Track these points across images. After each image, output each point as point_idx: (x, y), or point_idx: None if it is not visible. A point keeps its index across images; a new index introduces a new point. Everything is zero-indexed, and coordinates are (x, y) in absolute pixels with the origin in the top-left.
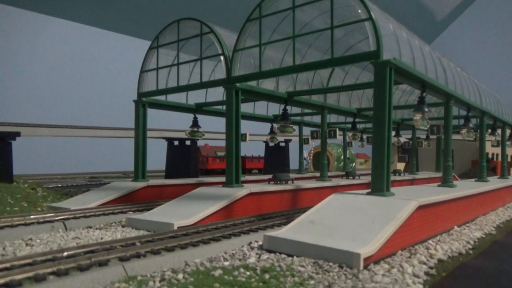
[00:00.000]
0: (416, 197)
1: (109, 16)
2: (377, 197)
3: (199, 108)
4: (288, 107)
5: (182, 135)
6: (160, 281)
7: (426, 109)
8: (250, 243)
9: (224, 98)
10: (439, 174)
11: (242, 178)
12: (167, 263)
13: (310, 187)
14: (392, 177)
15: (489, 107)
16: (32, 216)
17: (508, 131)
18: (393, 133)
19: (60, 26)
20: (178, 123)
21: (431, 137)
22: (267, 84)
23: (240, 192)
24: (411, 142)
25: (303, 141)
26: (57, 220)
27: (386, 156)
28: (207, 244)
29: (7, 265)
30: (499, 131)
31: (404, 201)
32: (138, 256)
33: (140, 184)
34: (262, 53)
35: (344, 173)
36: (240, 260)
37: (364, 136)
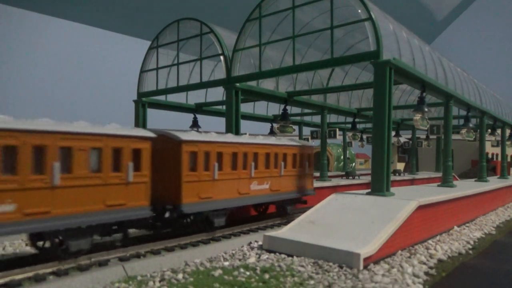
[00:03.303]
0: (416, 197)
1: (109, 16)
2: (377, 197)
3: (199, 108)
4: (288, 107)
5: None
6: (160, 281)
7: (426, 109)
8: (250, 243)
9: (224, 98)
10: (439, 174)
11: None
12: (167, 263)
13: None
14: (392, 177)
15: (489, 107)
16: None
17: (508, 131)
18: (393, 133)
19: (60, 26)
20: (178, 123)
21: (431, 137)
22: (267, 84)
23: None
24: (411, 142)
25: None
26: None
27: (386, 156)
28: (207, 244)
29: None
30: (499, 131)
31: (404, 201)
32: (138, 256)
33: None
34: (262, 53)
35: (344, 173)
36: (240, 260)
37: (364, 136)
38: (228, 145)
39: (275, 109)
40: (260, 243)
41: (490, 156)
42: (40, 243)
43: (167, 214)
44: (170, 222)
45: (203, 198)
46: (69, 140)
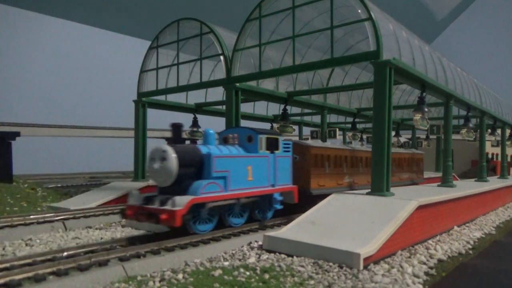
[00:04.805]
0: (416, 197)
1: (109, 16)
2: (377, 197)
3: (199, 108)
4: (288, 107)
5: (182, 135)
6: (160, 281)
7: (426, 109)
8: (250, 243)
9: (224, 98)
10: (439, 174)
11: None
12: (167, 263)
13: None
14: None
15: (489, 107)
16: (31, 216)
17: (508, 131)
18: (393, 133)
19: (60, 26)
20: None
21: (431, 137)
22: (267, 84)
23: None
24: (411, 142)
25: None
26: (57, 220)
27: (386, 156)
28: (207, 244)
29: (7, 265)
30: (499, 131)
31: (404, 201)
32: (138, 256)
33: (140, 184)
34: (262, 53)
35: None
36: (240, 260)
37: (364, 136)
38: (398, 155)
39: (275, 109)
40: (260, 243)
41: (490, 156)
42: None
43: None
44: None
45: (402, 179)
46: (401, 155)
